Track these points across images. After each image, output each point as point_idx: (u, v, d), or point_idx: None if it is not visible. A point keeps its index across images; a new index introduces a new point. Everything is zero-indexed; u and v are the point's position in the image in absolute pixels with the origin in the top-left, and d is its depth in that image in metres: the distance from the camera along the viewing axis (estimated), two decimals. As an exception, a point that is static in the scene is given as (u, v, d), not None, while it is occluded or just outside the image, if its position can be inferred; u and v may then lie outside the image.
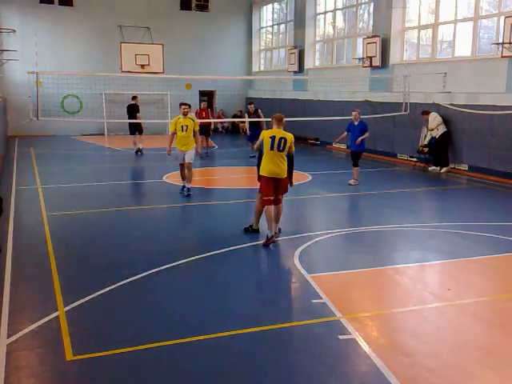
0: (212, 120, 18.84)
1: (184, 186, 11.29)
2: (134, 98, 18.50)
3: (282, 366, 4.41)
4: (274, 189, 7.77)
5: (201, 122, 16.90)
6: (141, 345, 4.67)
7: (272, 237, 7.73)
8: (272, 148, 7.66)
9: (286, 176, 7.87)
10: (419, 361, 4.47)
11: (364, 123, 12.56)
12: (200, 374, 4.29)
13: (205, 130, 17.74)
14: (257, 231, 8.24)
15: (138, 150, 18.04)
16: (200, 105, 18.90)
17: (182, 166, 11.24)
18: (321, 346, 4.76)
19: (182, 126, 10.97)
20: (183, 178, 11.33)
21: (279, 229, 8.17)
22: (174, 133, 11.14)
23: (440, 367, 4.37)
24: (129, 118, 18.13)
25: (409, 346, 4.73)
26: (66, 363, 4.39)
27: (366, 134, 12.42)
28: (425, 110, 15.06)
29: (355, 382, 4.23)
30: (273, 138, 7.69)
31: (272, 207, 7.78)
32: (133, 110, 18.12)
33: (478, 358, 4.55)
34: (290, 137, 7.78)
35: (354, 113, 12.50)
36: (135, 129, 18.15)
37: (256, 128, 16.63)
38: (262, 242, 7.81)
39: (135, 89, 23.07)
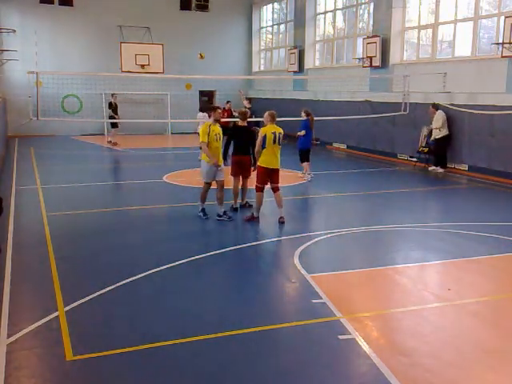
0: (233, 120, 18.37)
1: (204, 209, 9.22)
2: (114, 95, 20.59)
3: (282, 366, 4.41)
4: (268, 178, 8.94)
5: (223, 122, 16.70)
6: (141, 345, 4.67)
7: (258, 217, 9.00)
8: (274, 142, 8.78)
9: (279, 167, 9.04)
10: (419, 361, 4.47)
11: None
12: (200, 374, 4.28)
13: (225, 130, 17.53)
14: (236, 210, 9.66)
15: (112, 142, 20.46)
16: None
17: (209, 184, 9.20)
18: (321, 346, 4.76)
19: (217, 135, 8.99)
20: (204, 200, 9.23)
21: (282, 217, 8.94)
22: (207, 143, 8.91)
23: (440, 367, 4.37)
24: (111, 115, 20.20)
25: (409, 346, 4.73)
26: (66, 363, 4.39)
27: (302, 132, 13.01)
28: (435, 104, 14.82)
29: (355, 382, 4.23)
30: (274, 133, 8.79)
31: (263, 194, 8.97)
32: (116, 108, 20.45)
33: (478, 358, 4.55)
34: (282, 131, 9.00)
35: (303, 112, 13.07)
36: (115, 125, 20.62)
37: None
38: (264, 241, 7.82)
39: (135, 89, 23.14)
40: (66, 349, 4.59)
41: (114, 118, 20.06)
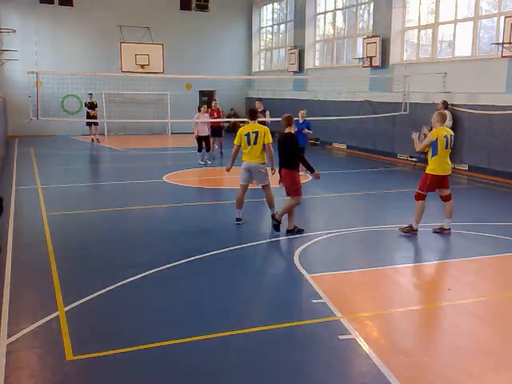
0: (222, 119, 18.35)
1: (239, 219, 8.88)
2: (91, 95, 21.35)
3: (282, 366, 4.41)
4: (436, 186, 8.38)
5: (213, 123, 16.68)
6: (141, 345, 4.67)
7: (417, 229, 8.27)
8: (447, 147, 8.08)
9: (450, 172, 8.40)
10: (419, 361, 4.47)
11: (307, 123, 13.36)
12: (200, 374, 4.29)
13: (218, 130, 17.54)
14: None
15: (95, 140, 21.50)
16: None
17: (243, 187, 8.86)
18: (321, 345, 4.76)
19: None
20: (238, 205, 8.85)
21: (449, 229, 8.45)
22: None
23: (440, 367, 4.37)
24: (90, 113, 20.93)
25: (409, 346, 4.73)
26: (66, 363, 4.39)
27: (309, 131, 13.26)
28: (445, 102, 14.44)
29: (355, 382, 4.23)
30: (446, 136, 8.01)
31: (425, 202, 8.38)
32: (94, 106, 21.33)
33: (477, 358, 4.55)
34: (452, 133, 8.30)
35: (302, 111, 13.33)
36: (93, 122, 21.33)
37: None
38: (264, 241, 7.83)
39: (135, 89, 23.14)
40: (66, 349, 4.59)
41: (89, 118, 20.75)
